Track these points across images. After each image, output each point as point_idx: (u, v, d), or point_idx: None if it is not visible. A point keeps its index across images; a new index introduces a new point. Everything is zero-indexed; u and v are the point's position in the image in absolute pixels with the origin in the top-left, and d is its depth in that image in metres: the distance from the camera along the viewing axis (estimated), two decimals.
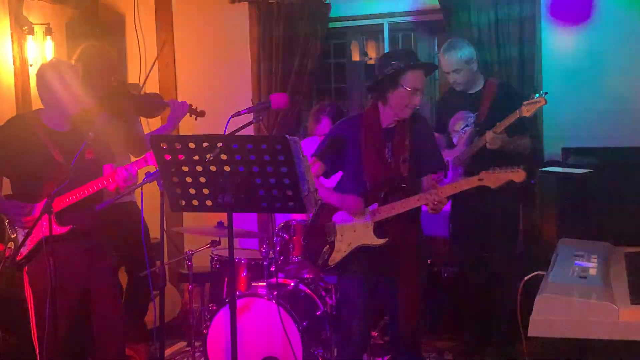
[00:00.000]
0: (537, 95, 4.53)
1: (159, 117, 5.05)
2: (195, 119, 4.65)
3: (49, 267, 3.58)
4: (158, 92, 4.91)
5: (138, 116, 4.96)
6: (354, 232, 3.79)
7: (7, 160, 3.92)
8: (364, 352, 4.15)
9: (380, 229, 3.75)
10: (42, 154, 3.84)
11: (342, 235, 3.83)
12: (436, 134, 5.21)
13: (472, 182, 3.60)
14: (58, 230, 3.80)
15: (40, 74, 3.96)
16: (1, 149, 3.93)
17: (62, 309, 3.85)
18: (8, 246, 3.89)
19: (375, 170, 3.79)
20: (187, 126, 5.09)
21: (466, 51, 4.85)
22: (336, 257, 3.83)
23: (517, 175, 3.53)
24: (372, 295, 3.94)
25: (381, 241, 3.74)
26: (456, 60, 4.81)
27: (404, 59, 3.73)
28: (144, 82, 5.50)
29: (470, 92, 4.93)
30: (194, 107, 4.65)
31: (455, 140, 4.95)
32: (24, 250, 3.78)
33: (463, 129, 4.90)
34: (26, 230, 3.74)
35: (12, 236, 3.89)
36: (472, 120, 4.86)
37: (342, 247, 3.82)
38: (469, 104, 4.91)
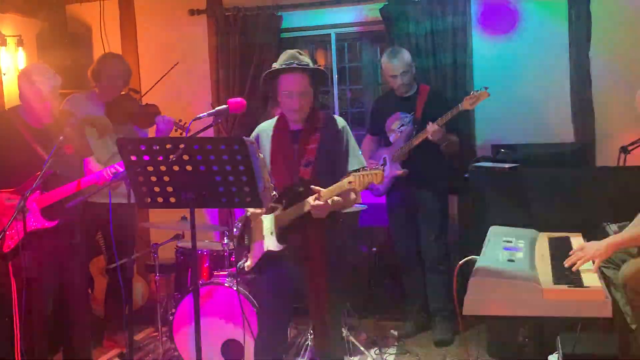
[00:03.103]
0: (479, 89, 4.60)
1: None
2: (180, 134, 4.59)
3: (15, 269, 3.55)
4: (155, 104, 4.85)
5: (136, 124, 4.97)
6: (263, 239, 3.51)
7: None
8: (278, 349, 3.69)
9: (281, 235, 3.44)
10: (25, 149, 3.77)
11: (254, 242, 3.57)
12: (370, 136, 5.27)
13: (343, 185, 3.28)
14: (46, 224, 3.78)
15: (24, 76, 3.87)
16: None
17: (41, 300, 3.83)
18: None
19: (280, 173, 3.46)
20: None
21: (408, 55, 4.94)
22: (250, 262, 3.56)
23: (377, 176, 3.22)
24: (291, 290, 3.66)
25: (281, 247, 3.43)
26: (404, 63, 4.88)
27: (281, 63, 3.44)
28: (144, 94, 5.47)
29: (406, 95, 5.00)
30: (181, 122, 4.61)
31: (392, 138, 5.01)
32: (12, 243, 3.68)
33: (399, 128, 4.97)
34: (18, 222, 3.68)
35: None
36: (408, 120, 4.94)
37: (253, 254, 3.56)
38: (404, 106, 4.99)
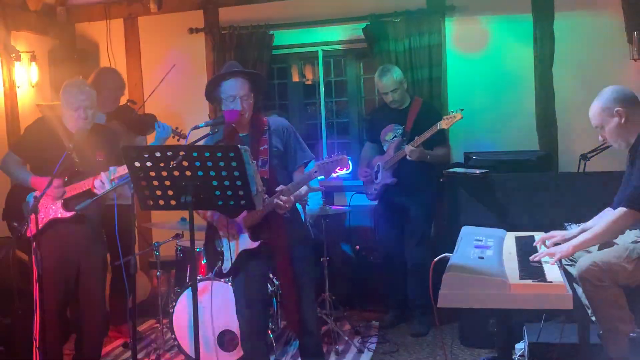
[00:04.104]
0: (454, 111, 4.64)
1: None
2: (178, 140, 4.60)
3: (36, 258, 3.55)
4: (153, 114, 4.84)
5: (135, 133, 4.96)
6: (236, 241, 3.48)
7: (32, 151, 3.99)
8: (260, 342, 3.63)
9: (254, 232, 3.43)
10: (60, 148, 3.84)
11: (228, 245, 3.51)
12: (369, 143, 5.29)
13: (308, 176, 3.30)
14: (64, 214, 3.88)
15: (62, 89, 3.97)
16: (29, 142, 4.02)
17: (60, 283, 3.90)
18: (26, 223, 3.78)
19: None
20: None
21: (398, 73, 4.94)
22: (227, 265, 3.51)
23: (341, 161, 3.23)
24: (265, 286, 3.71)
25: (256, 244, 3.41)
26: (392, 81, 4.89)
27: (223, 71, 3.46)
28: (142, 104, 5.45)
29: (400, 108, 5.00)
30: (179, 129, 4.62)
31: (385, 148, 5.03)
32: (34, 229, 3.68)
33: (392, 138, 4.98)
34: (45, 208, 3.85)
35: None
36: (399, 132, 4.95)
37: (229, 256, 3.50)
38: (397, 118, 4.99)
